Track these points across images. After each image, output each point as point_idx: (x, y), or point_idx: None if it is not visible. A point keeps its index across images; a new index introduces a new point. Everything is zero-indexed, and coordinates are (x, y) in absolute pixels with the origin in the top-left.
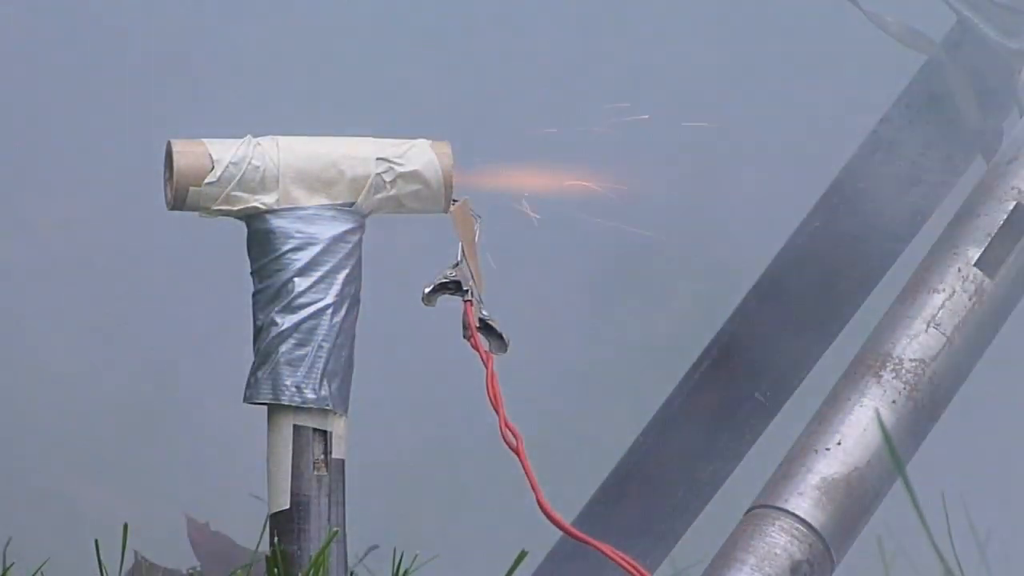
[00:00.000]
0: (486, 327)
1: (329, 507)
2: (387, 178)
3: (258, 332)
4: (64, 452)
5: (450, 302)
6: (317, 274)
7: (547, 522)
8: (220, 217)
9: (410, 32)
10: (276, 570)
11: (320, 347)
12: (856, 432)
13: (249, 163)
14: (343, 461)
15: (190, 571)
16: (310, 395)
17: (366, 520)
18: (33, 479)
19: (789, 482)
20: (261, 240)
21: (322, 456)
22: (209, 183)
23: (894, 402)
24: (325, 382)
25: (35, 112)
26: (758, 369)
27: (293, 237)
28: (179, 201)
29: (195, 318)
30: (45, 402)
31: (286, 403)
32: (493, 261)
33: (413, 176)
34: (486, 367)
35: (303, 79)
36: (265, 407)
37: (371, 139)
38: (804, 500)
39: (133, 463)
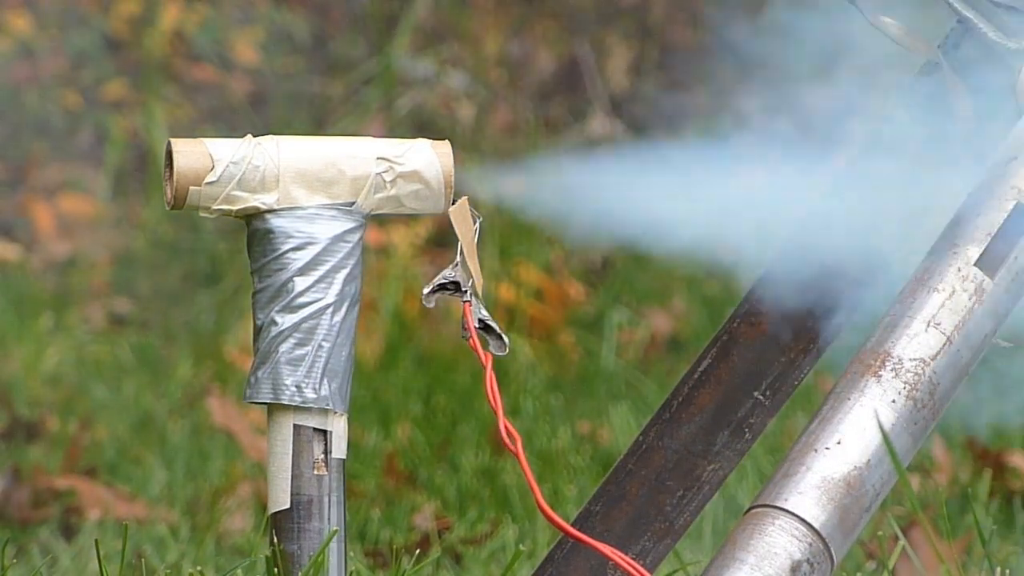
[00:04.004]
0: (485, 327)
1: (329, 507)
2: (387, 178)
3: (258, 332)
4: (64, 451)
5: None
6: (317, 273)
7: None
8: (220, 216)
9: None
10: (276, 570)
11: (320, 346)
12: (856, 431)
13: (249, 163)
14: (343, 460)
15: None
16: (310, 394)
17: None
18: (33, 479)
19: (789, 481)
20: (261, 239)
21: (322, 456)
22: (209, 182)
23: (894, 402)
24: (325, 381)
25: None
26: (758, 369)
27: (293, 237)
28: (179, 200)
29: (195, 317)
30: (45, 401)
31: (286, 402)
32: None
33: (413, 176)
34: (485, 368)
35: None
36: (265, 407)
37: (371, 139)
38: (804, 499)
39: (133, 463)
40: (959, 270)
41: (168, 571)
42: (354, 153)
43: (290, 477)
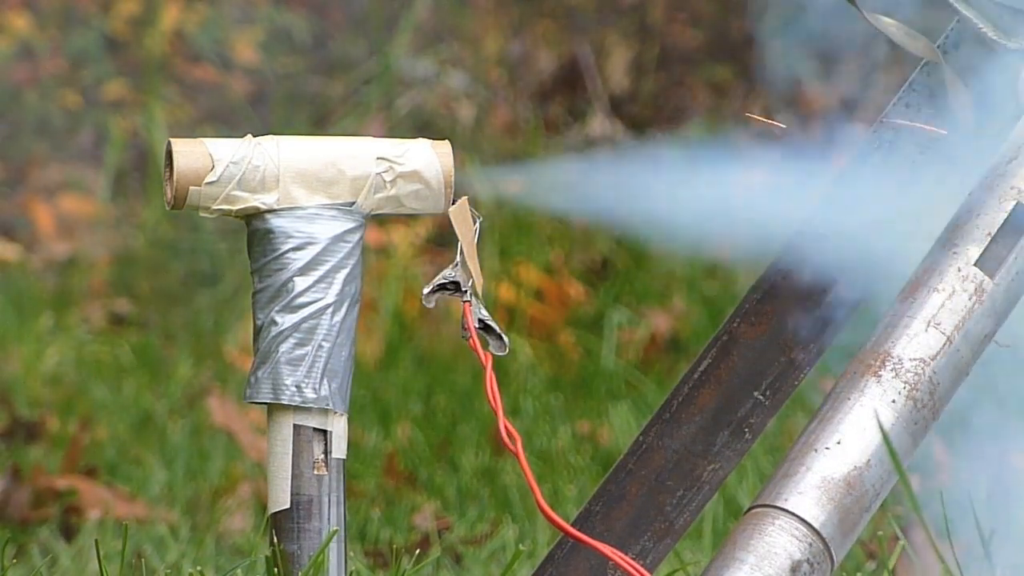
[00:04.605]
0: (485, 327)
1: (329, 507)
2: (387, 177)
3: (258, 332)
4: (64, 451)
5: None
6: (317, 273)
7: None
8: (220, 216)
9: None
10: (276, 570)
11: (320, 346)
12: (856, 431)
13: (249, 163)
14: (343, 460)
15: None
16: (310, 394)
17: None
18: (33, 479)
19: (789, 481)
20: (261, 239)
21: (322, 455)
22: (209, 182)
23: (894, 401)
24: (325, 381)
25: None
26: (758, 369)
27: (293, 237)
28: (179, 200)
29: (195, 317)
30: (45, 401)
31: (286, 402)
32: None
33: (413, 176)
34: (485, 368)
35: None
36: (265, 407)
37: (371, 139)
38: (804, 499)
39: (133, 463)
40: (959, 270)
41: (168, 571)
42: (354, 153)
43: (290, 477)
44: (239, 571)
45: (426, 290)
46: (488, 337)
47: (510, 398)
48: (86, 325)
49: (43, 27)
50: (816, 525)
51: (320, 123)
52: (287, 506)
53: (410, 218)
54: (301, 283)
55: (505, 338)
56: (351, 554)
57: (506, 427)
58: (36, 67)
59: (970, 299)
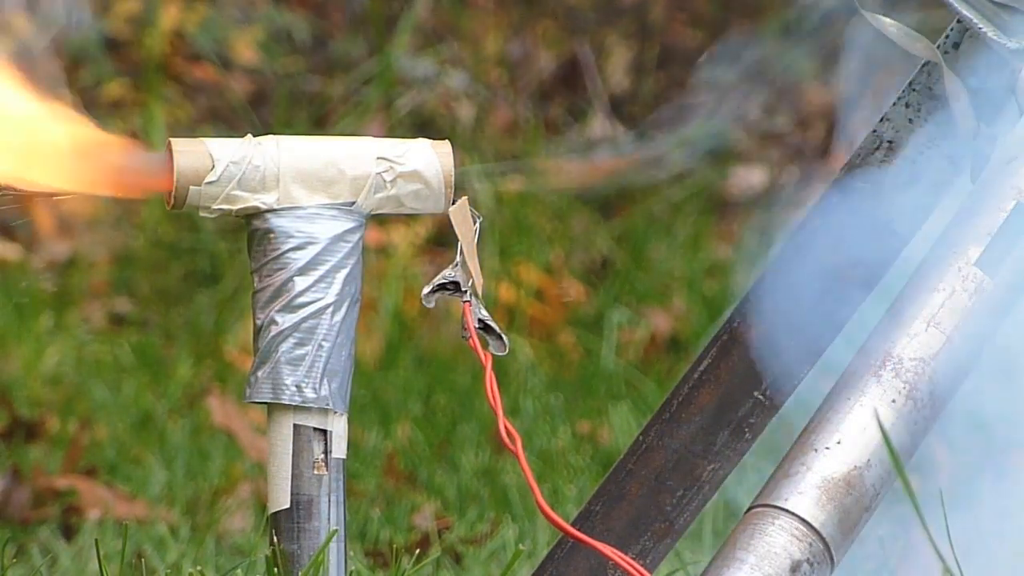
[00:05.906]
0: (485, 327)
1: (329, 507)
2: (387, 177)
3: (258, 331)
4: (64, 451)
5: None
6: (317, 273)
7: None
8: (220, 216)
9: None
10: (276, 570)
11: (320, 346)
12: (856, 431)
13: (249, 162)
14: (343, 460)
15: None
16: (310, 394)
17: None
18: (33, 479)
19: (789, 481)
20: (261, 239)
21: (322, 455)
22: (209, 182)
23: (894, 401)
24: (325, 381)
25: None
26: (758, 369)
27: (293, 236)
28: (179, 200)
29: (195, 317)
30: (45, 401)
31: (286, 402)
32: None
33: (413, 175)
34: (485, 368)
35: None
36: (265, 407)
37: (371, 139)
38: (804, 499)
39: (133, 463)
40: (959, 270)
41: (168, 571)
42: (354, 153)
43: (290, 477)
44: (239, 571)
45: (426, 290)
46: (488, 337)
47: (510, 398)
48: (86, 325)
49: (43, 27)
50: (816, 525)
51: (320, 123)
52: (287, 506)
53: (410, 218)
54: (301, 283)
55: (505, 338)
56: (351, 554)
57: (506, 427)
58: (36, 67)
59: (970, 299)
